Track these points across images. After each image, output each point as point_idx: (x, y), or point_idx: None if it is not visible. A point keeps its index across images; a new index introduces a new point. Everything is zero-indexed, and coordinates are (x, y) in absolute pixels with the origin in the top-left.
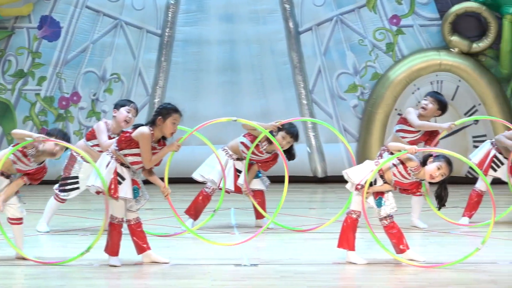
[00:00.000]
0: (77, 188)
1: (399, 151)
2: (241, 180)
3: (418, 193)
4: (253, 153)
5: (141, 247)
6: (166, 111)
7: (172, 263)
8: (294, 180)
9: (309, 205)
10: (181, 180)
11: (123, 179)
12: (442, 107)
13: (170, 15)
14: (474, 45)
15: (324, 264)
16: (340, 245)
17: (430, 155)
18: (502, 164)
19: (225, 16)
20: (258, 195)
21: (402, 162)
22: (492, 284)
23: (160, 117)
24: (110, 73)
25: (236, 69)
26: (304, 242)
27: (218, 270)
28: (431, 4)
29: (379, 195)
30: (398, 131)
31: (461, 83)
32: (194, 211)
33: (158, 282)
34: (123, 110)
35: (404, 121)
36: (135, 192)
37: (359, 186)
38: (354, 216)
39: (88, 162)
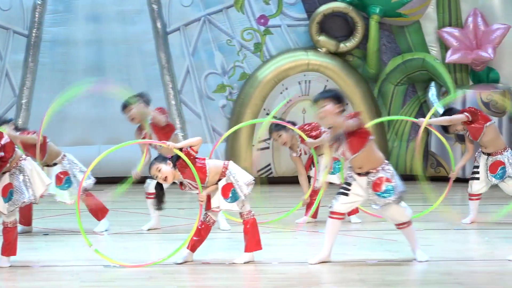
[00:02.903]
0: None
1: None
2: None
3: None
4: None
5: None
6: None
7: (41, 265)
8: None
9: (178, 205)
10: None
11: None
12: None
13: (37, 15)
14: (342, 45)
15: (193, 264)
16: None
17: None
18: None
19: (92, 16)
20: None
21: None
22: (360, 282)
23: None
24: None
25: (104, 70)
26: (173, 243)
27: (87, 271)
28: (298, 4)
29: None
30: None
31: (329, 83)
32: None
33: (27, 284)
34: None
35: None
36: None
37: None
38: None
39: None
